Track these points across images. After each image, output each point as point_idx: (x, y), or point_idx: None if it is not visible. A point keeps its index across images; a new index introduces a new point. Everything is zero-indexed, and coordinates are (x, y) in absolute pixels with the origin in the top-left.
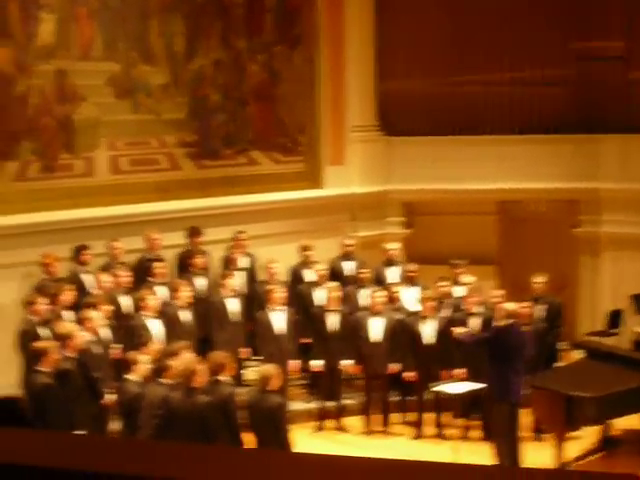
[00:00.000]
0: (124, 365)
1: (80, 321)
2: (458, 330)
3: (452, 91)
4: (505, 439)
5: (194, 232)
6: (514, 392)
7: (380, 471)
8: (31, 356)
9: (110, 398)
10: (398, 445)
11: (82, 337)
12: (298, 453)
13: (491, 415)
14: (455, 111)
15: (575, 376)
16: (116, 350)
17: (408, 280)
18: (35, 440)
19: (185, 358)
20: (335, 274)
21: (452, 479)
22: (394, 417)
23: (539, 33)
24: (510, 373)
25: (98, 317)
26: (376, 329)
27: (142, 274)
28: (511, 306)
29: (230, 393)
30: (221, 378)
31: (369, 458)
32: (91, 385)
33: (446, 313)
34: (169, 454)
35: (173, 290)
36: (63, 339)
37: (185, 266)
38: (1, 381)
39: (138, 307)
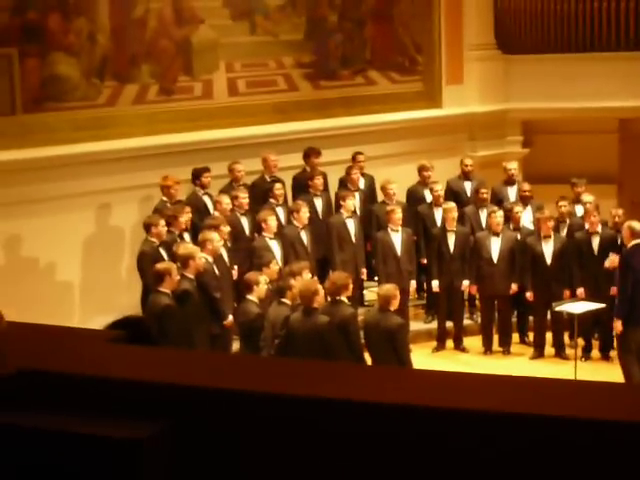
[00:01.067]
0: (245, 286)
1: (201, 243)
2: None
3: (572, 8)
4: (635, 363)
5: (312, 153)
6: None
7: (501, 387)
8: (152, 278)
9: (231, 319)
10: (518, 365)
11: (201, 258)
12: (421, 370)
13: (612, 335)
14: (575, 28)
15: None
16: (236, 271)
17: (523, 200)
18: (159, 357)
19: (305, 279)
20: (454, 194)
21: (576, 395)
22: (514, 337)
23: None
24: None
25: (218, 239)
26: (495, 249)
27: (260, 196)
28: (638, 225)
29: (351, 313)
30: (342, 298)
31: (490, 375)
32: (212, 306)
33: (564, 232)
34: (291, 370)
35: (295, 211)
36: (183, 260)
37: (301, 187)
38: (123, 302)
39: (260, 228)
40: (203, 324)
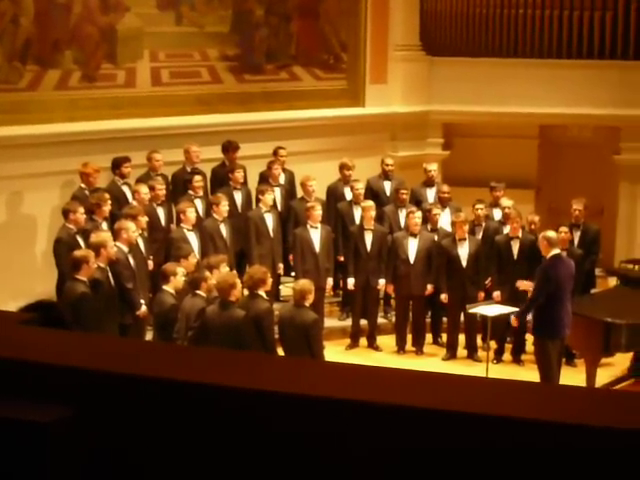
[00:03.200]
0: (161, 277)
1: (116, 232)
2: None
3: (498, 12)
4: (557, 373)
5: (230, 147)
6: (567, 327)
7: (412, 382)
8: (69, 265)
9: (145, 309)
10: (430, 365)
11: (113, 247)
12: (332, 362)
13: (525, 339)
14: (500, 33)
15: (611, 303)
16: (151, 262)
17: (441, 201)
18: (71, 341)
19: (223, 272)
20: (374, 193)
21: (489, 392)
22: (427, 338)
23: None
24: (561, 307)
25: (134, 228)
26: (412, 249)
27: (180, 187)
28: (554, 235)
29: (266, 308)
30: (259, 293)
31: (402, 369)
32: (124, 296)
33: (480, 235)
34: (201, 358)
35: (215, 204)
36: (94, 249)
37: (220, 180)
38: (38, 288)
39: (178, 220)
40: (113, 314)
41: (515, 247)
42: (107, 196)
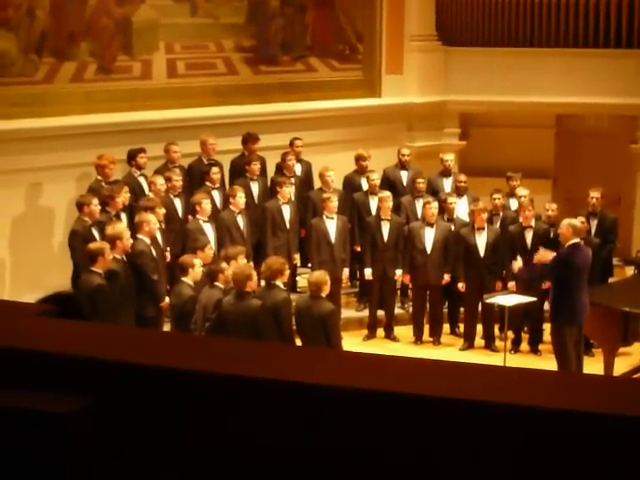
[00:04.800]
0: (180, 268)
1: (137, 225)
2: (517, 266)
3: (514, 1)
4: (574, 360)
5: (249, 138)
6: (583, 313)
7: (430, 371)
8: (84, 257)
9: (167, 301)
10: (447, 355)
11: (129, 239)
12: (349, 352)
13: (542, 329)
14: (516, 22)
15: (628, 292)
16: (168, 253)
17: (458, 191)
18: (89, 332)
19: (240, 263)
20: (390, 183)
21: (507, 381)
22: (444, 328)
23: None
24: (578, 294)
25: (155, 221)
26: (429, 239)
27: (197, 178)
28: (579, 224)
29: (284, 298)
30: (277, 283)
31: (420, 359)
32: (150, 288)
33: (498, 225)
34: (218, 349)
35: (231, 196)
36: (110, 240)
37: (239, 172)
38: (54, 280)
39: (194, 211)
40: (129, 305)
41: (529, 236)
42: (124, 187)
